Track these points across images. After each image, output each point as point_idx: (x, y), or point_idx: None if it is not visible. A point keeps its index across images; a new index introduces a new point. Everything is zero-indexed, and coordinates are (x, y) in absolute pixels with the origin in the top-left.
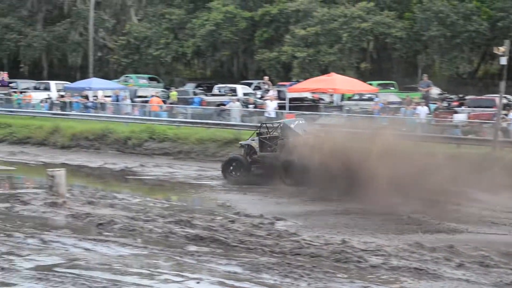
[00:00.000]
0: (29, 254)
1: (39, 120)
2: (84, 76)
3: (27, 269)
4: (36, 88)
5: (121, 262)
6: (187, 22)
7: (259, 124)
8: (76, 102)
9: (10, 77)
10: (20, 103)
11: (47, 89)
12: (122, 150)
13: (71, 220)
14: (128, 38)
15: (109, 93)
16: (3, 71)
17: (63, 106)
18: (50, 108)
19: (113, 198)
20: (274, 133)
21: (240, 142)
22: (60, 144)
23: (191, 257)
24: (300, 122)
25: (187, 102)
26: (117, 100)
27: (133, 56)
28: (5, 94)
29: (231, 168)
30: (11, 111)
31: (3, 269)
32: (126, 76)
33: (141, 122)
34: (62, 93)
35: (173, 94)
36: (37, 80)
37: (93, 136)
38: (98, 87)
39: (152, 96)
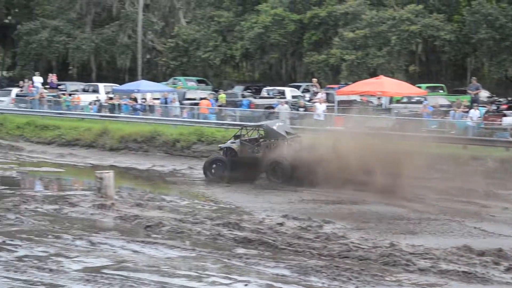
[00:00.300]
0: (78, 256)
1: (88, 122)
2: (133, 78)
3: (75, 270)
4: (84, 90)
5: (169, 264)
6: (236, 25)
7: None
8: (125, 104)
9: (59, 79)
10: (69, 105)
11: (95, 91)
12: (171, 152)
13: (119, 222)
14: (176, 40)
15: (157, 95)
16: (52, 73)
17: (112, 108)
18: (99, 110)
19: (161, 200)
20: (253, 135)
21: (219, 145)
22: (109, 146)
23: (239, 259)
24: (281, 123)
25: (235, 104)
26: (166, 103)
27: (182, 58)
28: (54, 96)
29: (213, 168)
30: (60, 113)
31: (51, 270)
32: (175, 79)
33: (190, 124)
34: (111, 95)
35: (222, 96)
36: (85, 82)
37: (141, 138)
38: (147, 90)
39: (202, 98)
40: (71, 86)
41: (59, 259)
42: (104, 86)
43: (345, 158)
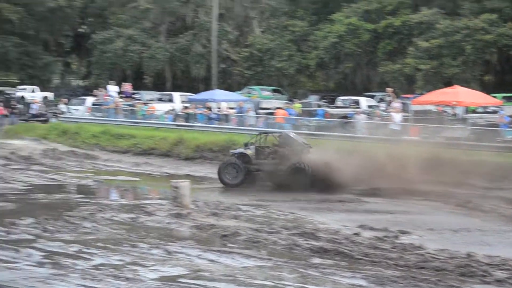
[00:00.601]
0: (154, 265)
1: (163, 131)
2: (207, 87)
3: (151, 279)
4: (160, 100)
5: (245, 274)
6: (310, 34)
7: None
8: (200, 113)
9: (134, 88)
10: (144, 114)
11: (171, 100)
12: None
13: (195, 231)
14: (251, 50)
15: (232, 104)
16: (127, 82)
17: (187, 117)
18: (174, 120)
19: (237, 209)
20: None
21: (231, 151)
22: (184, 155)
23: (315, 269)
24: (294, 133)
25: (310, 114)
26: (241, 112)
27: (256, 68)
28: (129, 105)
29: (226, 173)
30: (135, 122)
31: (127, 279)
32: (249, 88)
33: None
34: (186, 105)
35: (297, 106)
36: (160, 91)
37: (217, 148)
38: (222, 99)
39: (277, 108)
40: (146, 95)
41: (135, 267)
42: (180, 95)
43: (404, 167)
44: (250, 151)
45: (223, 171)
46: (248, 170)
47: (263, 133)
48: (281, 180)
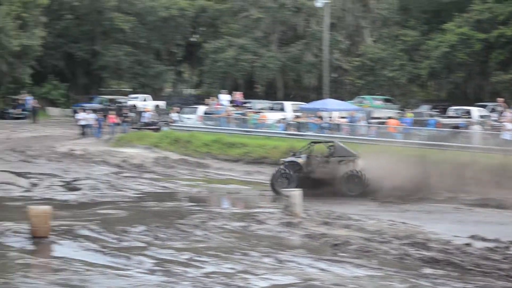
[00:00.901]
0: (265, 273)
1: (274, 140)
2: (319, 97)
3: None
4: (271, 109)
5: (355, 283)
6: (422, 44)
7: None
8: (312, 122)
9: (246, 97)
10: (256, 123)
11: (282, 109)
12: None
13: (306, 240)
14: (362, 59)
15: (344, 114)
16: (238, 91)
17: (299, 126)
18: (286, 129)
19: (348, 219)
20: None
21: (282, 159)
22: None
23: (426, 279)
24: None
25: (422, 123)
26: (352, 121)
27: (367, 77)
28: (240, 114)
29: (279, 181)
30: (246, 131)
31: (238, 287)
32: (361, 97)
33: (376, 143)
34: (298, 114)
35: (409, 115)
36: (271, 100)
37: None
38: (333, 108)
39: (389, 117)
40: (257, 104)
41: (246, 276)
42: (291, 104)
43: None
44: (301, 160)
45: (275, 181)
46: (299, 179)
47: (314, 142)
48: (336, 188)
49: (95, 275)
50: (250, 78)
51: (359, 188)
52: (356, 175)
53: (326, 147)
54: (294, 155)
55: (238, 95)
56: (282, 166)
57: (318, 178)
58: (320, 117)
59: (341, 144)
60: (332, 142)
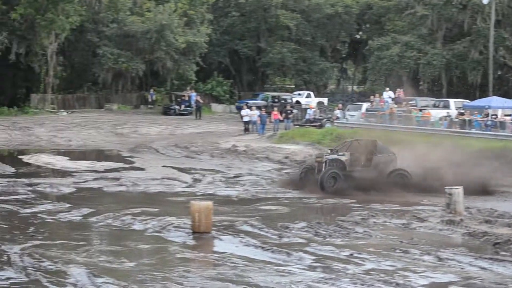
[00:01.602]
0: (425, 271)
1: (437, 138)
2: (483, 94)
3: (421, 285)
4: (435, 106)
5: None
6: None
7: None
8: (476, 120)
9: (409, 94)
10: (419, 120)
11: (446, 106)
12: None
13: (467, 238)
14: None
15: (509, 112)
16: (402, 88)
17: (462, 124)
18: (449, 126)
19: (511, 217)
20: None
21: (325, 156)
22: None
23: None
24: None
25: None
26: None
27: None
28: (403, 111)
29: (329, 181)
30: (410, 128)
31: (398, 284)
32: None
33: None
34: (462, 111)
35: None
36: (436, 97)
37: (491, 154)
38: (498, 106)
39: None
40: (421, 101)
41: (406, 273)
42: (455, 101)
43: None
44: (345, 157)
45: (325, 180)
46: (345, 177)
47: (356, 140)
48: (380, 187)
49: (253, 270)
50: (415, 75)
51: (404, 187)
52: (404, 174)
53: (363, 144)
54: (332, 151)
55: (400, 93)
56: (328, 166)
57: (360, 177)
58: (486, 115)
59: (381, 143)
60: (374, 141)
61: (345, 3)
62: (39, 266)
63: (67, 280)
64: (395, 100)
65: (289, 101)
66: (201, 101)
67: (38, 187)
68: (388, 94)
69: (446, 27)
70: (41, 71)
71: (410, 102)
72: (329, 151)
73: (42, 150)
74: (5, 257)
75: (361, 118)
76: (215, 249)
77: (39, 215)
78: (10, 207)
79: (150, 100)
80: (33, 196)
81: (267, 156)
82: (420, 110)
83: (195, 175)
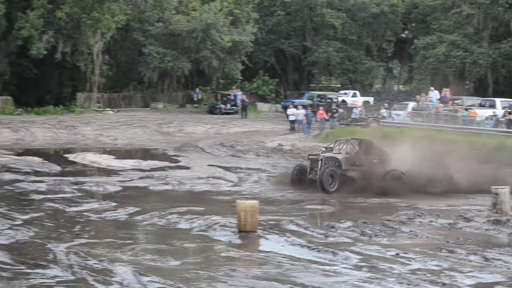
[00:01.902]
0: (471, 271)
1: (483, 137)
2: None
3: (468, 286)
4: (481, 105)
5: None
6: None
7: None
8: None
9: (456, 93)
10: (465, 119)
11: (492, 106)
12: None
13: None
14: None
15: None
16: (448, 87)
17: (509, 123)
18: (495, 126)
19: None
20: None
21: (321, 154)
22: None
23: None
24: None
25: None
26: None
27: None
28: (449, 110)
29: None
30: (456, 128)
31: (444, 284)
32: None
33: None
34: (508, 111)
35: None
36: (482, 97)
37: None
38: None
39: None
40: (467, 100)
41: (452, 273)
42: (501, 101)
43: None
44: (341, 156)
45: (324, 179)
46: (342, 176)
47: (351, 139)
48: (376, 187)
49: (299, 270)
50: (461, 74)
51: (400, 187)
52: (400, 176)
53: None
54: (326, 150)
55: (446, 92)
56: (323, 163)
57: (352, 176)
58: None
59: (377, 143)
60: (369, 140)
61: (391, 2)
62: (85, 265)
63: (113, 279)
64: (441, 100)
65: (335, 100)
66: (247, 100)
67: (84, 186)
68: (434, 94)
69: (492, 26)
70: (87, 70)
71: (456, 101)
72: (324, 149)
73: (88, 148)
74: (51, 256)
75: (407, 117)
76: (261, 248)
77: (85, 213)
78: (56, 205)
79: (195, 99)
80: (79, 194)
81: None
82: (466, 109)
83: (241, 174)
